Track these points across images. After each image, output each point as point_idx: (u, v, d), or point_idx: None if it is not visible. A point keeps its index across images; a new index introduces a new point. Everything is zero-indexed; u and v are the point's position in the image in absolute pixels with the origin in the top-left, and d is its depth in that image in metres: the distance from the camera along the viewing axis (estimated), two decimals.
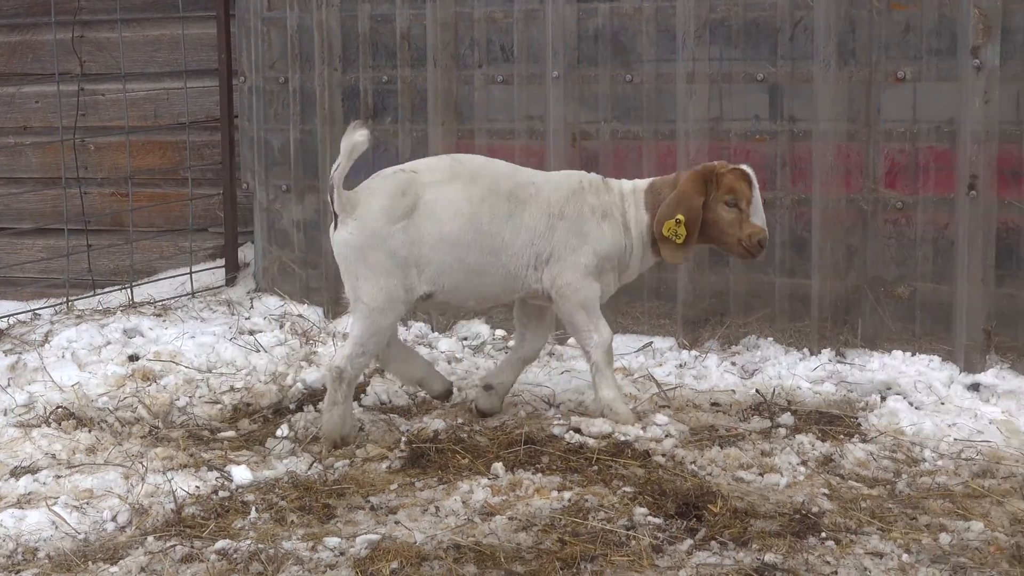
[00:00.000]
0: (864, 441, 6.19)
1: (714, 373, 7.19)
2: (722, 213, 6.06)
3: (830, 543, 4.94)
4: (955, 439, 6.21)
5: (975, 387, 6.84)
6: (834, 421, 6.41)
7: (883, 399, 6.70)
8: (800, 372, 7.12)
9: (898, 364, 7.12)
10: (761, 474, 5.69)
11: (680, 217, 6.01)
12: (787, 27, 7.27)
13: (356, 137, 5.86)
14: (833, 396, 6.84)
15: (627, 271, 6.33)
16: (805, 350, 7.38)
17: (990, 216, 6.90)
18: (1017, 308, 6.96)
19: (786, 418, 6.39)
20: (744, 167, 6.10)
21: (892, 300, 7.24)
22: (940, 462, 5.93)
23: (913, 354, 7.17)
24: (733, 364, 7.32)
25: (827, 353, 7.30)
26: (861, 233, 7.26)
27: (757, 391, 6.79)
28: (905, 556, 4.85)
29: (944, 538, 5.01)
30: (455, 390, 6.66)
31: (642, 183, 6.28)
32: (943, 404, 6.68)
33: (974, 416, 6.49)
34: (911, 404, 6.65)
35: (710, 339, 7.60)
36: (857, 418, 6.50)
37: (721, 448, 5.97)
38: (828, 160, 7.22)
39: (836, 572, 4.72)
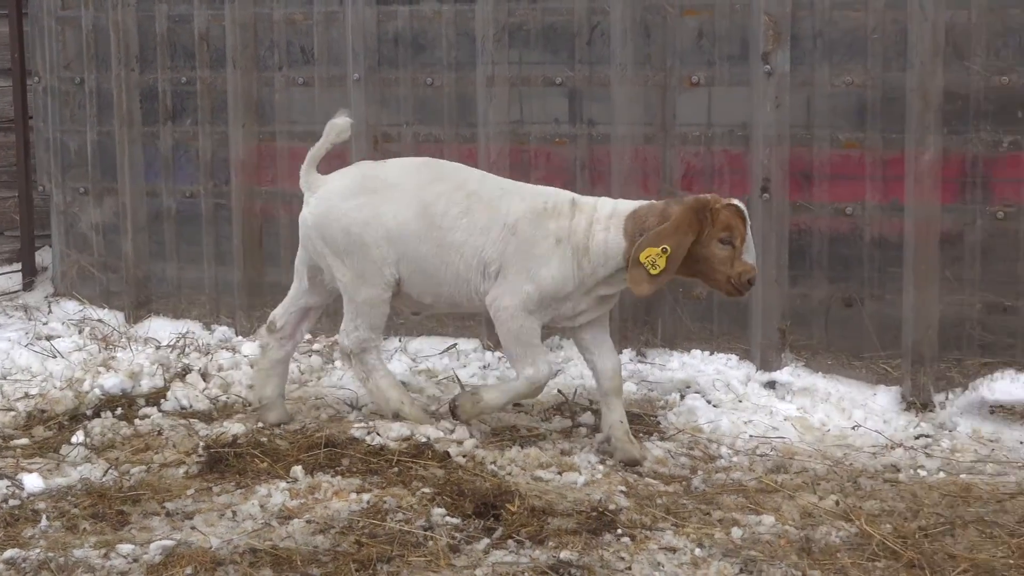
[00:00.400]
0: (663, 439, 6.31)
1: None
2: (716, 250, 5.73)
3: (625, 539, 5.02)
4: (751, 436, 6.37)
5: (771, 385, 7.00)
6: (634, 420, 6.49)
7: (682, 397, 6.84)
8: None
9: (697, 363, 7.25)
10: (560, 473, 5.75)
11: (667, 247, 5.66)
12: (584, 32, 7.35)
13: (338, 121, 6.14)
14: (634, 395, 6.95)
15: (592, 292, 6.00)
16: None
17: (783, 218, 7.07)
18: (810, 307, 7.14)
19: (587, 417, 6.48)
20: (737, 202, 5.80)
21: (691, 300, 7.37)
22: (736, 458, 6.07)
23: (711, 353, 7.31)
24: None
25: (628, 353, 7.40)
26: None
27: (559, 391, 6.86)
28: (698, 550, 4.94)
29: (736, 532, 5.12)
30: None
31: (625, 207, 5.94)
32: (740, 402, 6.83)
33: (770, 413, 6.65)
34: (709, 402, 6.80)
35: None
36: (657, 416, 6.62)
37: (521, 448, 6.01)
38: (626, 163, 7.32)
39: (630, 568, 4.79)
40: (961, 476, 5.91)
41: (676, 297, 7.35)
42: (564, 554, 4.84)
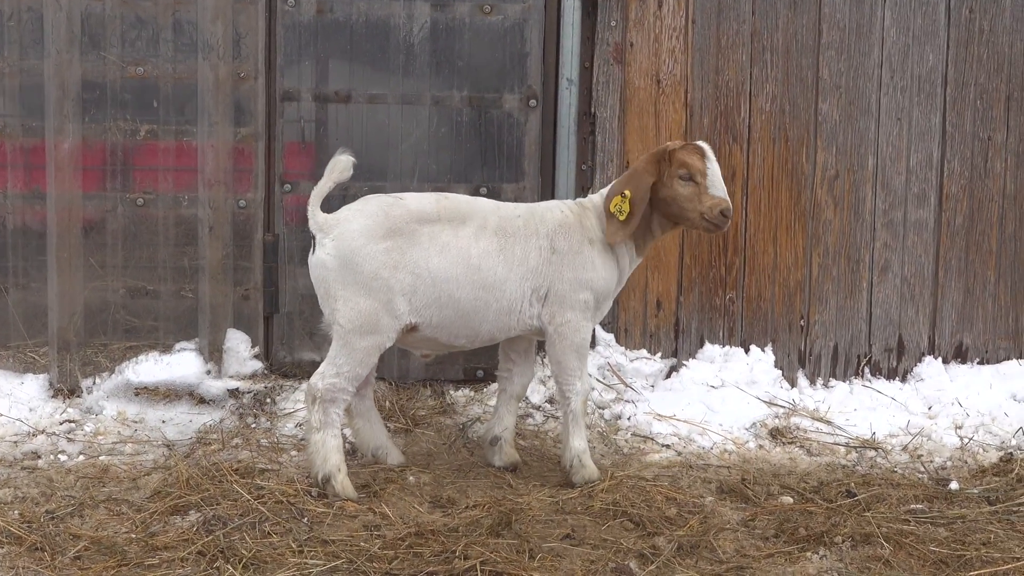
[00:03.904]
0: None
1: None
2: (679, 189, 5.85)
3: None
4: None
5: None
6: None
7: None
8: None
9: None
10: None
11: (627, 192, 5.83)
12: None
13: (341, 158, 5.68)
14: None
15: (620, 285, 6.12)
16: None
17: None
18: None
19: None
20: (699, 142, 5.94)
21: None
22: None
23: None
24: None
25: None
26: None
27: None
28: None
29: None
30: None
31: (604, 192, 6.03)
32: None
33: None
34: None
35: None
36: None
37: None
38: None
39: None
40: (101, 458, 6.06)
41: None
42: None
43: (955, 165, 7.35)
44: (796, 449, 6.55)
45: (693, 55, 7.17)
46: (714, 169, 5.89)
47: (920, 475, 6.21)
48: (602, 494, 5.67)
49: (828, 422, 6.85)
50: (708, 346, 7.28)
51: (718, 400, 6.86)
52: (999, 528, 5.43)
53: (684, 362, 7.22)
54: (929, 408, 7.06)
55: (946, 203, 7.37)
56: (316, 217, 5.70)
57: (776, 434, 6.68)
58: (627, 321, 7.31)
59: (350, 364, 5.65)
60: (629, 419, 6.79)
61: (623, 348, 7.30)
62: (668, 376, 7.20)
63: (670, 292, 7.30)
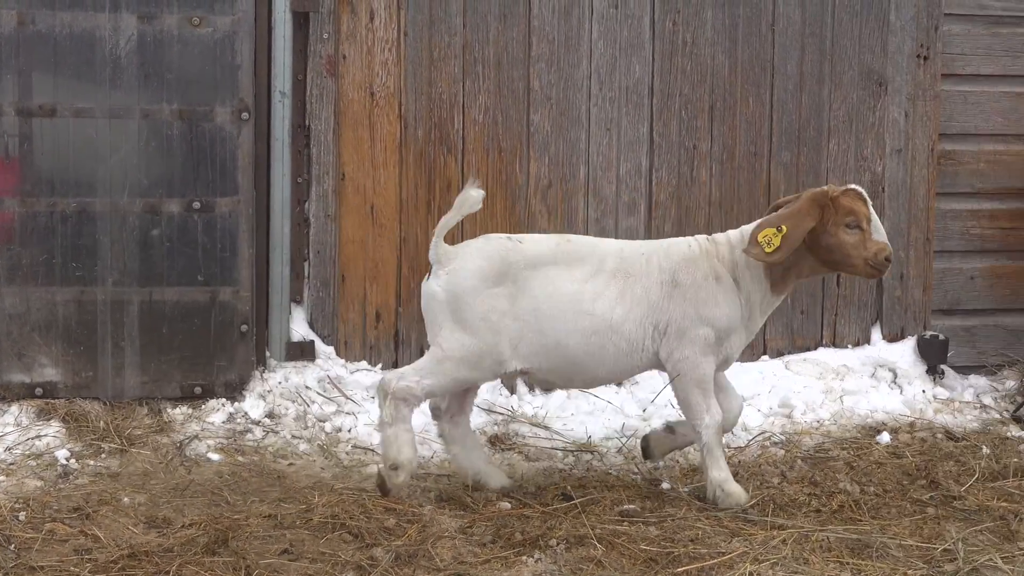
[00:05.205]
0: None
1: None
2: (844, 237, 5.78)
3: None
4: None
5: None
6: None
7: None
8: None
9: None
10: None
11: (784, 227, 5.69)
12: None
13: (471, 193, 5.71)
14: None
15: (753, 322, 5.99)
16: None
17: None
18: None
19: None
20: (855, 187, 5.87)
21: None
22: None
23: None
24: None
25: None
26: None
27: None
28: None
29: None
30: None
31: (749, 228, 5.87)
32: None
33: None
34: None
35: None
36: None
37: None
38: None
39: None
40: None
41: None
42: None
43: (663, 174, 7.59)
44: (515, 455, 6.65)
45: (406, 67, 7.22)
46: (874, 213, 5.89)
47: (634, 476, 6.38)
48: (321, 508, 5.65)
49: (546, 427, 6.98)
50: None
51: None
52: (707, 524, 5.62)
53: None
54: (643, 410, 7.25)
55: (655, 211, 7.59)
56: (438, 247, 5.76)
57: (495, 441, 6.77)
58: (346, 333, 7.31)
59: (434, 381, 5.75)
60: (350, 431, 6.79)
61: (343, 360, 7.29)
62: None
63: (389, 303, 7.33)
